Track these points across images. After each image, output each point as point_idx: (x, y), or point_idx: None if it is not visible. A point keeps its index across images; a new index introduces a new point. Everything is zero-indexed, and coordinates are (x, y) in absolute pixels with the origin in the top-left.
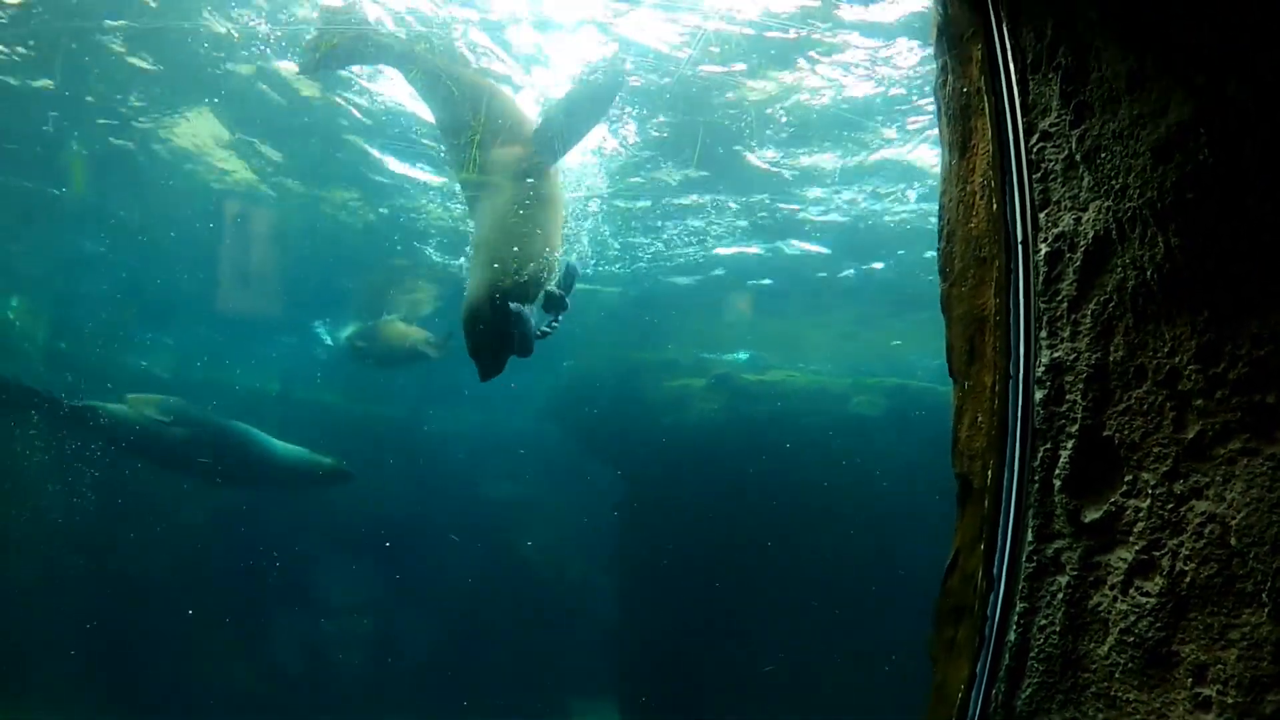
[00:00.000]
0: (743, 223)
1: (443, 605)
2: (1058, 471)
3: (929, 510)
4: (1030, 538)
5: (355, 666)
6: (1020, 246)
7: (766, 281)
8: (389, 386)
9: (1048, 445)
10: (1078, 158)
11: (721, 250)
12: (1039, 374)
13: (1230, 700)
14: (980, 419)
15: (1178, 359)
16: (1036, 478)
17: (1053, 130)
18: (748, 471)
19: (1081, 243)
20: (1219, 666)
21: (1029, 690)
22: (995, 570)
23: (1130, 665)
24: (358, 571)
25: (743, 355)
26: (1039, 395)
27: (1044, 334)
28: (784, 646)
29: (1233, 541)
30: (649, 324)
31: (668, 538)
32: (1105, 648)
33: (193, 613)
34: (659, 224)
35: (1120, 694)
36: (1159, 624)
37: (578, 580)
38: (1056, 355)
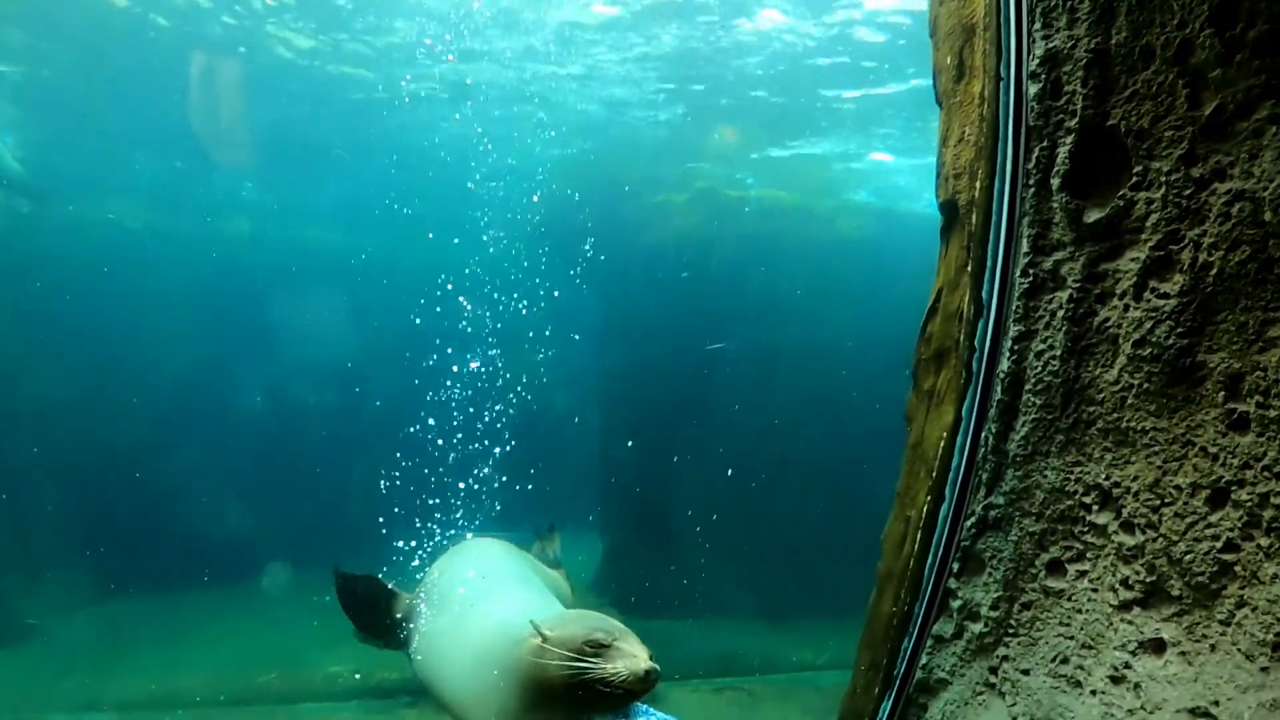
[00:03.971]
0: None
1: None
2: (1056, 170)
3: (913, 329)
4: (1025, 249)
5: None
6: None
7: None
8: None
9: (1044, 144)
10: None
11: None
12: (1033, 68)
13: (1274, 414)
14: (968, 131)
15: (1189, 29)
16: (1032, 181)
17: None
18: (730, 293)
19: None
20: (1257, 374)
21: (1024, 429)
22: (985, 294)
23: (1146, 387)
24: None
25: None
26: (1033, 90)
27: (1038, 26)
28: (767, 467)
29: (1267, 217)
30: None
31: (647, 362)
32: (1115, 370)
33: None
34: None
35: (1134, 424)
36: (1181, 330)
37: (563, 411)
38: (1053, 45)
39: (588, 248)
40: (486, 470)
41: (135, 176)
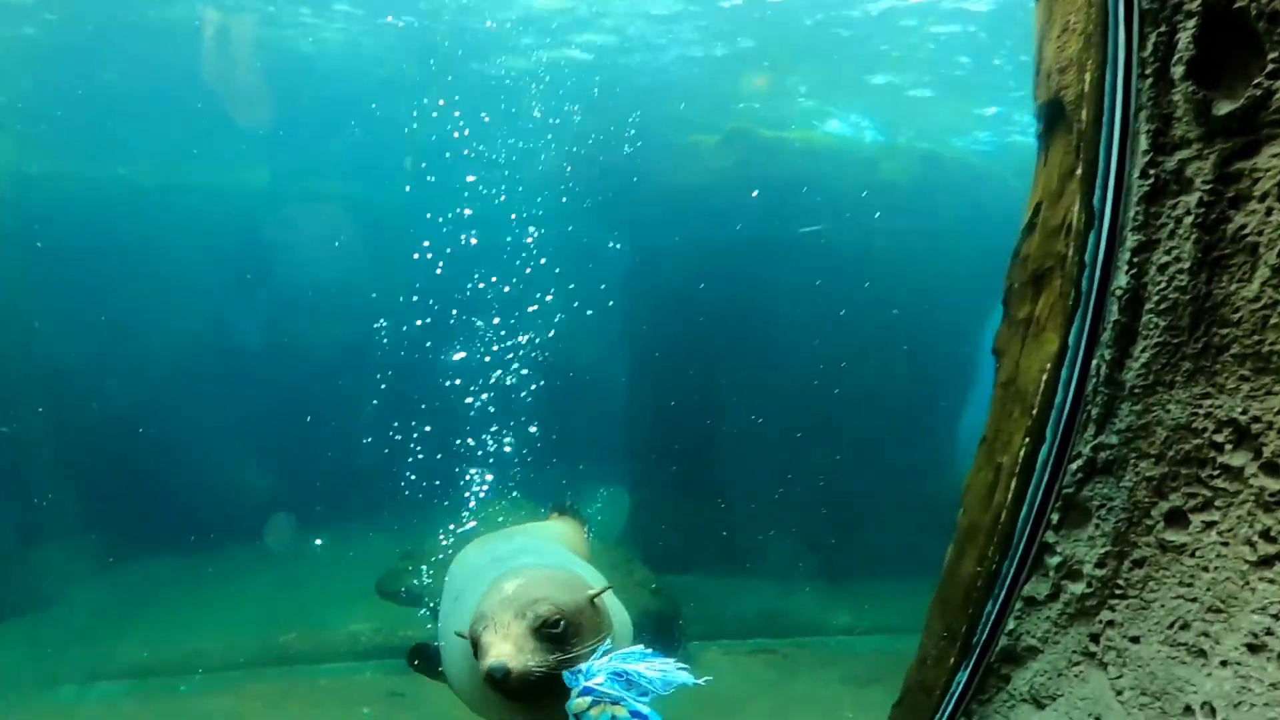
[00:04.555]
0: None
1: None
2: (1177, 58)
3: (962, 281)
4: (1145, 147)
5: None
6: None
7: None
8: None
9: (1161, 29)
10: None
11: None
12: None
13: None
14: (1074, 19)
15: None
16: (1149, 71)
17: None
18: (764, 239)
19: None
20: None
21: (1144, 356)
22: (1097, 200)
23: None
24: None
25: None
26: None
27: None
28: (805, 420)
29: None
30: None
31: (676, 311)
32: (1254, 285)
33: None
34: None
35: (1278, 348)
36: None
37: (589, 362)
38: None
39: (616, 193)
40: (511, 425)
41: (147, 133)
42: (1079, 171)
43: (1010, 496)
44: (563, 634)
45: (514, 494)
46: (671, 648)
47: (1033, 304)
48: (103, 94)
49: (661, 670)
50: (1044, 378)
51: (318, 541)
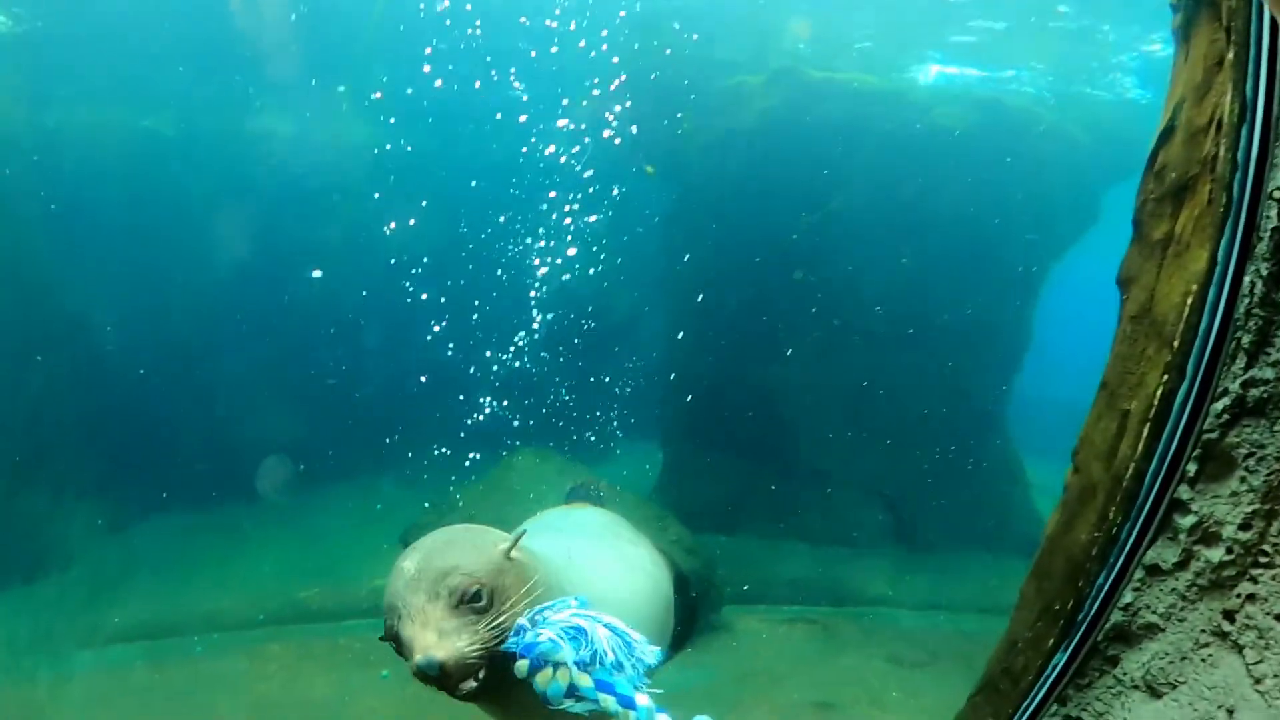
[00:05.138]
0: None
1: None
2: None
3: (1018, 233)
4: None
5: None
6: None
7: None
8: None
9: None
10: None
11: None
12: None
13: None
14: None
15: None
16: None
17: None
18: (812, 184)
19: None
20: None
21: None
22: (1250, 89)
23: None
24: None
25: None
26: None
27: None
28: (849, 378)
29: None
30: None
31: (719, 260)
32: None
33: None
34: None
35: None
36: None
37: (625, 314)
38: None
39: (658, 134)
40: (539, 376)
41: (169, 81)
42: (1229, 57)
43: (1139, 448)
44: (488, 603)
45: (547, 445)
46: (706, 611)
47: (1172, 220)
48: (124, 40)
49: (623, 645)
50: (1188, 302)
51: (343, 494)
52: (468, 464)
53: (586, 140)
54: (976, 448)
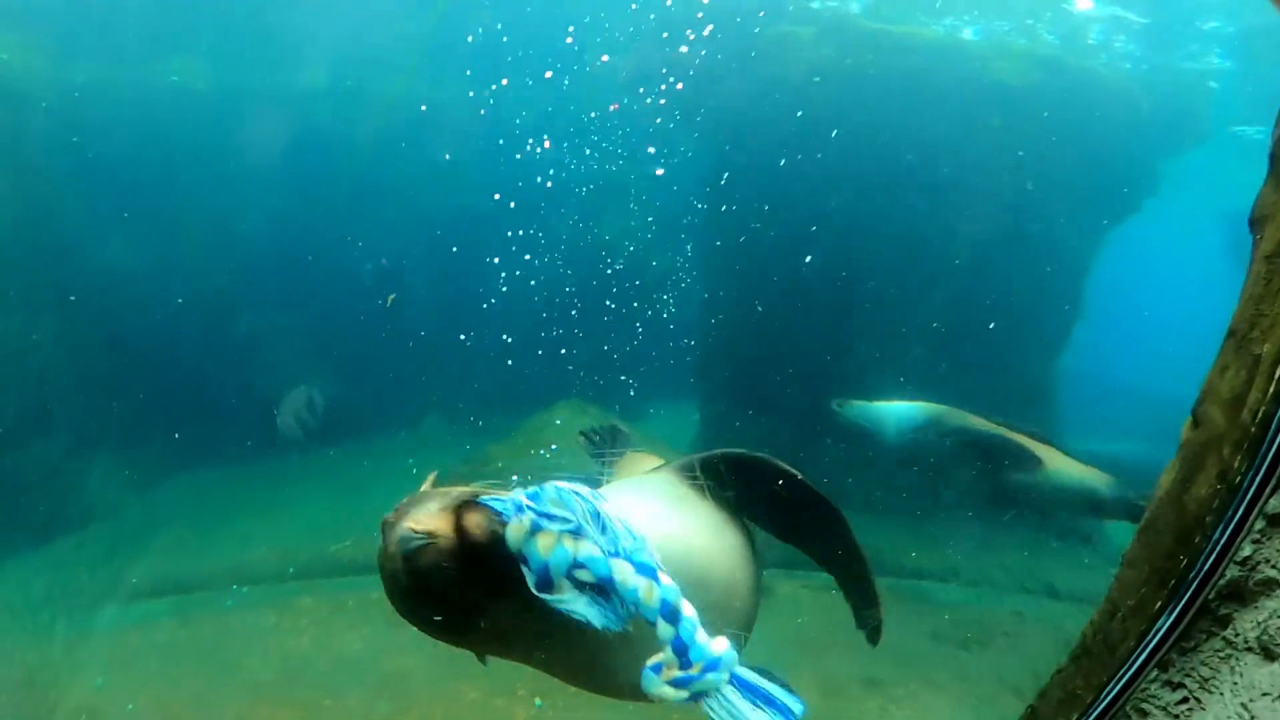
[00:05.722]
0: None
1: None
2: None
3: (1072, 200)
4: None
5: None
6: None
7: None
8: None
9: None
10: None
11: None
12: None
13: None
14: None
15: None
16: None
17: None
18: (860, 139)
19: None
20: None
21: None
22: None
23: None
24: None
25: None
26: None
27: None
28: (896, 335)
29: None
30: None
31: (761, 217)
32: None
33: None
34: None
35: None
36: None
37: (661, 272)
38: None
39: (701, 85)
40: (578, 332)
41: (197, 34)
42: None
43: (1270, 391)
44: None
45: (584, 401)
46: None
47: None
48: None
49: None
50: None
51: (379, 447)
52: (504, 419)
53: (642, 91)
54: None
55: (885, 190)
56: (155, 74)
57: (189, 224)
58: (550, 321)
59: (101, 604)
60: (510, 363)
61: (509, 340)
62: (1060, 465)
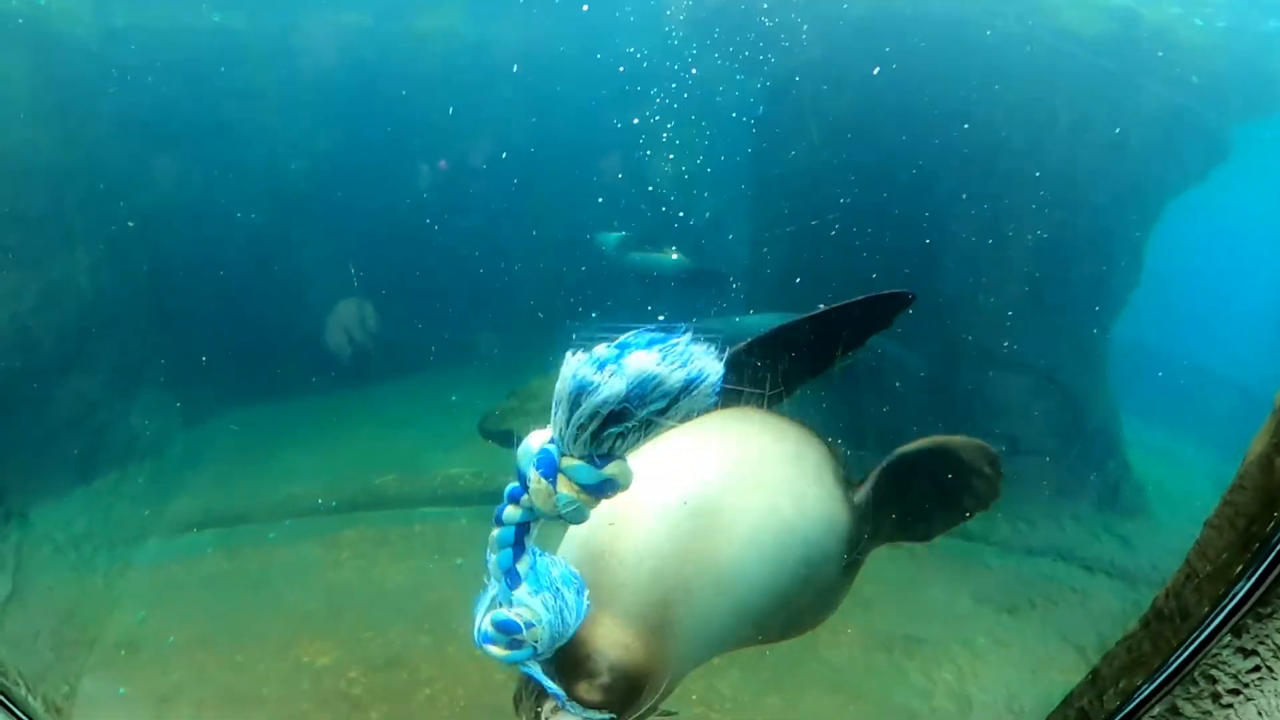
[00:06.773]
0: None
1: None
2: None
3: (1137, 161)
4: None
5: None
6: None
7: None
8: None
9: None
10: None
11: None
12: None
13: None
14: None
15: None
16: None
17: None
18: (919, 83)
19: None
20: None
21: None
22: None
23: None
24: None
25: None
26: None
27: None
28: (950, 281)
29: None
30: None
31: (812, 166)
32: None
33: None
34: None
35: None
36: None
37: (704, 221)
38: None
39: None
40: (624, 270)
41: None
42: None
43: None
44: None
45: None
46: None
47: None
48: None
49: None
50: None
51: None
52: (550, 356)
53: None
54: (1067, 383)
55: (941, 136)
56: (196, 15)
57: (233, 162)
58: (594, 258)
59: (144, 538)
60: (561, 295)
61: (556, 274)
62: None
